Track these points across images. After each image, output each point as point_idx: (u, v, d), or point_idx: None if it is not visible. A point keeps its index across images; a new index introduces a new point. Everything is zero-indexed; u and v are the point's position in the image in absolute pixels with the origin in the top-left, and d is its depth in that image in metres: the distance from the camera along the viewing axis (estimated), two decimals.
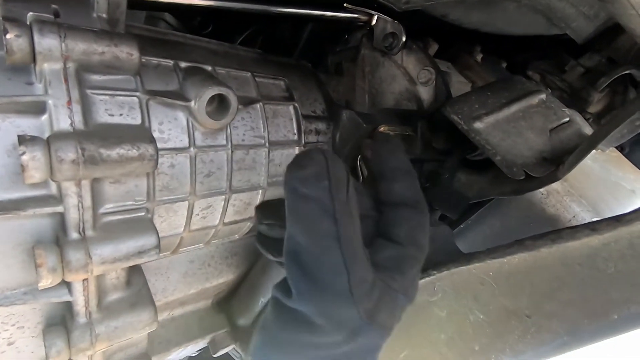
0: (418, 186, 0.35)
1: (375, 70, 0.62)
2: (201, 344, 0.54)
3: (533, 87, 0.59)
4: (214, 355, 0.55)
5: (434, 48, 0.73)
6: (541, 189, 0.56)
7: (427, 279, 0.42)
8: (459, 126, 0.51)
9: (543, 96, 0.57)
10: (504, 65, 0.90)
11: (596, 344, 0.34)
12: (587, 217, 0.56)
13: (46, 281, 0.30)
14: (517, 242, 0.39)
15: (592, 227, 0.35)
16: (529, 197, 0.57)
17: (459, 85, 0.74)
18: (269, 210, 0.38)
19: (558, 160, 0.48)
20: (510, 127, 0.51)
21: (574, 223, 0.56)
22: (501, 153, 0.48)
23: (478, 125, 0.51)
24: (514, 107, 0.54)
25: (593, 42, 0.64)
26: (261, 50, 0.54)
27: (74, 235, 0.32)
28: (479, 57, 0.82)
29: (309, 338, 0.27)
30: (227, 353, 0.58)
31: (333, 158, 0.29)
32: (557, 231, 0.37)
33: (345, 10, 0.57)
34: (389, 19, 0.58)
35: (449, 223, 0.61)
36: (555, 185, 0.57)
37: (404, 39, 0.58)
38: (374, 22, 0.59)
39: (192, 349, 0.53)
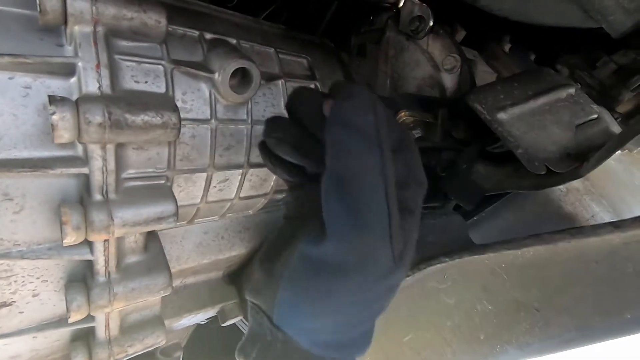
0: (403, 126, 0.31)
1: (399, 54, 0.60)
2: (211, 312, 0.55)
3: (562, 81, 0.57)
4: (222, 325, 0.57)
5: (461, 35, 0.70)
6: (560, 186, 0.55)
7: (437, 266, 0.42)
8: (481, 116, 0.49)
9: (572, 90, 0.55)
10: (532, 57, 0.86)
11: (606, 342, 0.34)
12: (607, 218, 0.55)
13: (70, 238, 0.31)
14: (534, 235, 0.38)
15: (616, 225, 0.35)
16: (546, 193, 0.56)
17: (484, 74, 0.72)
18: (279, 125, 0.33)
19: (582, 157, 0.46)
20: (535, 120, 0.50)
21: (592, 223, 0.55)
22: (523, 146, 0.47)
23: (502, 116, 0.49)
24: (541, 100, 0.52)
25: (628, 38, 0.61)
26: (285, 26, 0.54)
27: (97, 196, 0.33)
28: (507, 47, 0.79)
29: (339, 284, 0.27)
30: (234, 323, 0.60)
31: (375, 95, 0.27)
32: (578, 228, 0.36)
33: None
34: (417, 1, 0.56)
35: (462, 214, 0.61)
36: (575, 183, 0.56)
37: (431, 23, 0.56)
38: (401, 3, 0.58)
39: (202, 316, 0.55)
